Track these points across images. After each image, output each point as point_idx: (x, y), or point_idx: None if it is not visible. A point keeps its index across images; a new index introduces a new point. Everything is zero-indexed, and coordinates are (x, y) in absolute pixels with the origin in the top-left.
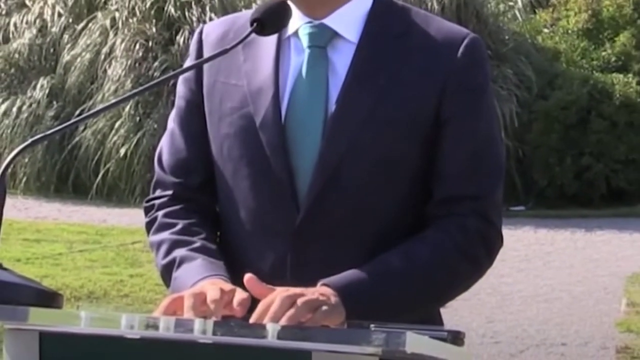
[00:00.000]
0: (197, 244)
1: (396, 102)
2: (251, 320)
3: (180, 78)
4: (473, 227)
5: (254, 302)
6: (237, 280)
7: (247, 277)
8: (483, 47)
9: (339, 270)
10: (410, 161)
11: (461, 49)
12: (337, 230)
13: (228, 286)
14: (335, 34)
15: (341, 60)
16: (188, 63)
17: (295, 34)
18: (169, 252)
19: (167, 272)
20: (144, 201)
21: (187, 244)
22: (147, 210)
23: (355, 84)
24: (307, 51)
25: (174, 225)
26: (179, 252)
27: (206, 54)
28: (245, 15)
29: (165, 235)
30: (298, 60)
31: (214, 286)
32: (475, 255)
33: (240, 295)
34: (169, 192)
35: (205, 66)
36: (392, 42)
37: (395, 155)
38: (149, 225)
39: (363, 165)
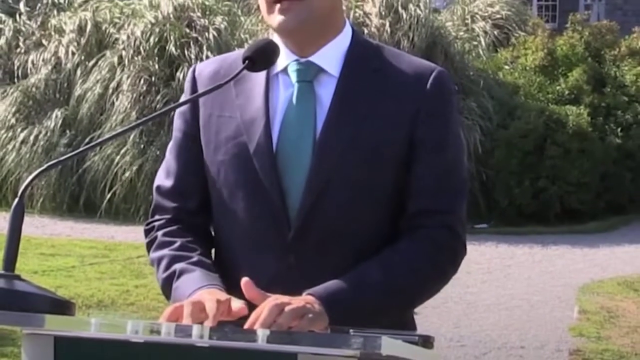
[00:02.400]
0: (195, 259)
1: (375, 129)
2: (245, 327)
3: (177, 113)
4: (441, 239)
5: (250, 308)
6: (232, 292)
7: (244, 280)
8: (449, 79)
9: (325, 280)
10: (387, 181)
11: (430, 81)
12: (324, 244)
13: (224, 295)
14: (320, 70)
15: (326, 93)
16: (183, 99)
17: (284, 70)
18: (168, 266)
19: (167, 284)
20: (144, 224)
21: (185, 258)
22: (147, 232)
23: (338, 114)
24: (296, 85)
25: (173, 243)
26: (178, 266)
27: (200, 90)
28: (233, 55)
29: (165, 251)
30: (287, 93)
31: (210, 295)
32: (443, 264)
33: (236, 302)
34: (167, 216)
35: (201, 101)
36: (370, 76)
37: (375, 177)
38: (149, 245)
39: (347, 187)
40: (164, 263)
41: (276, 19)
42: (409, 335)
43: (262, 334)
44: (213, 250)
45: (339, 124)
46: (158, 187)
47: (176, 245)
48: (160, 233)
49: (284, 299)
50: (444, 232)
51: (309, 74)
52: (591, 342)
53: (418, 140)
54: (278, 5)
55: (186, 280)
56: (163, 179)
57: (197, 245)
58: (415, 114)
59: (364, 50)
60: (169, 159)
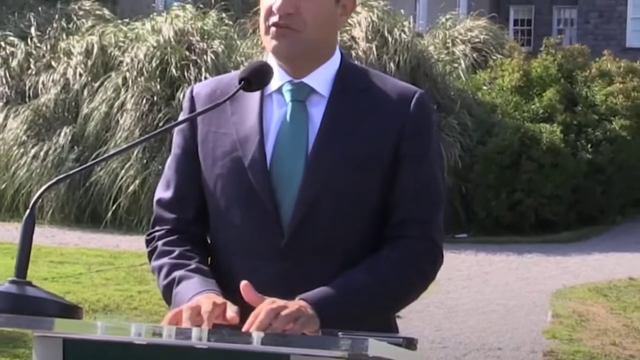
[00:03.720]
0: (193, 266)
1: (362, 145)
2: (243, 329)
3: (176, 130)
4: (421, 247)
5: (245, 310)
6: (230, 297)
7: (243, 284)
8: (429, 100)
9: (316, 284)
10: (373, 193)
11: (413, 102)
12: (314, 252)
13: (220, 299)
14: (312, 90)
15: (317, 111)
16: (182, 117)
17: (279, 90)
18: (168, 274)
19: (168, 290)
20: (146, 234)
21: (184, 266)
22: (148, 242)
23: (328, 131)
24: (289, 104)
25: (172, 252)
26: (177, 273)
27: (198, 109)
28: (228, 76)
29: (165, 260)
30: (281, 112)
31: (207, 300)
32: (424, 269)
33: (232, 307)
34: (167, 226)
35: (199, 119)
36: (357, 96)
37: (361, 189)
38: (150, 254)
39: (336, 199)
40: (164, 271)
41: (271, 42)
42: (394, 337)
43: (257, 336)
44: (209, 257)
45: (329, 141)
46: (158, 200)
47: (175, 254)
48: (160, 243)
49: (280, 302)
50: (423, 240)
51: (302, 94)
52: (564, 344)
53: (401, 155)
54: (273, 29)
55: (185, 286)
56: (162, 192)
57: (195, 253)
58: (399, 131)
59: (351, 72)
60: (168, 173)
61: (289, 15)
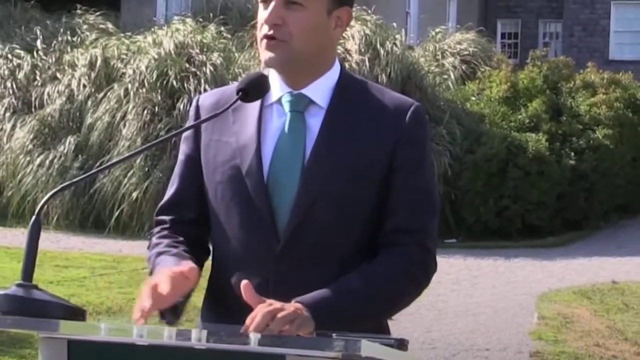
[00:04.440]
0: (174, 251)
1: (358, 155)
2: (242, 330)
3: (182, 138)
4: (415, 255)
5: (243, 312)
6: (229, 298)
7: (244, 283)
8: (424, 112)
9: (311, 288)
10: (367, 202)
11: (408, 114)
12: (309, 257)
13: (177, 268)
14: (310, 101)
15: (315, 122)
16: (187, 125)
17: (279, 101)
18: (154, 262)
19: (150, 271)
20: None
21: (167, 252)
22: (149, 242)
23: (325, 141)
24: (288, 115)
25: (161, 243)
26: (160, 256)
27: (202, 118)
28: (232, 87)
29: (154, 250)
30: (280, 122)
31: (163, 276)
32: (417, 276)
33: (185, 266)
34: (165, 226)
35: (202, 128)
36: (355, 108)
37: (356, 198)
38: (148, 250)
39: (331, 206)
40: (152, 260)
41: (263, 53)
42: (385, 338)
43: (254, 337)
44: (210, 261)
45: (326, 151)
46: (160, 206)
47: (164, 244)
48: (155, 237)
49: (276, 305)
50: (417, 249)
51: (300, 105)
52: (549, 345)
53: (396, 164)
54: (265, 40)
55: (159, 262)
56: (166, 195)
57: (185, 246)
58: (395, 141)
59: (350, 84)
60: (173, 178)
61: (276, 26)
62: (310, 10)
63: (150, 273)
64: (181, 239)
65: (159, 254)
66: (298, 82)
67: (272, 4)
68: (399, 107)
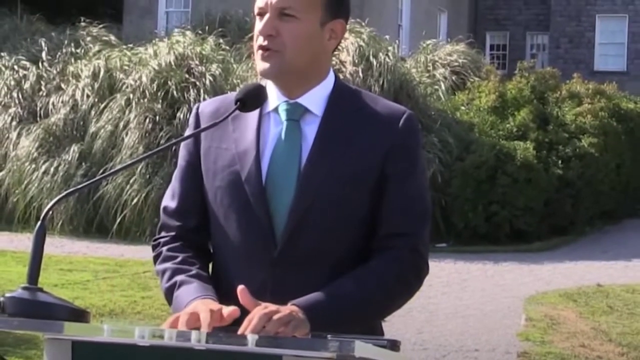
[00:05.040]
0: (193, 272)
1: (352, 162)
2: (239, 332)
3: (182, 144)
4: (407, 259)
5: (242, 315)
6: (227, 300)
7: (240, 288)
8: (417, 121)
9: (307, 291)
10: (361, 207)
11: (401, 122)
12: (305, 261)
13: (216, 305)
14: (306, 110)
15: (310, 130)
16: (187, 132)
17: (275, 110)
18: (171, 277)
19: (169, 292)
20: (151, 240)
21: (185, 271)
22: (154, 247)
23: (320, 148)
24: (285, 123)
25: (176, 257)
26: (179, 277)
27: (202, 125)
28: (231, 96)
29: (169, 265)
30: (277, 130)
31: (204, 306)
32: (409, 280)
33: (227, 308)
34: (172, 233)
35: (202, 135)
36: (349, 116)
37: (350, 203)
38: (155, 258)
39: (326, 211)
40: (167, 274)
41: (258, 64)
42: (378, 339)
43: (251, 338)
44: (211, 264)
45: (321, 157)
46: (164, 208)
47: (178, 259)
48: (165, 248)
49: (272, 307)
50: (409, 253)
51: (296, 114)
52: (536, 345)
53: (389, 171)
54: (260, 51)
55: (184, 291)
56: (169, 200)
57: (196, 260)
58: (388, 149)
59: (344, 94)
60: (174, 184)
61: (270, 37)
62: (303, 22)
63: (171, 287)
64: (191, 253)
65: (181, 283)
66: (293, 91)
67: (267, 16)
68: (391, 115)
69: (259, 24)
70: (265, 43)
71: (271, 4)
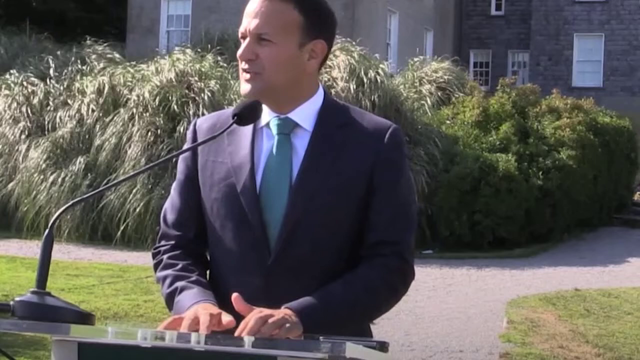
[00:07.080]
0: (193, 278)
1: (340, 174)
2: (235, 334)
3: (180, 158)
4: (394, 265)
5: (238, 320)
6: (223, 306)
7: (234, 295)
8: (402, 134)
9: (299, 296)
10: (350, 217)
11: (387, 136)
12: (298, 268)
13: (215, 309)
14: (296, 125)
15: (301, 144)
16: (185, 147)
17: (267, 125)
18: (172, 283)
19: (170, 298)
20: (152, 249)
21: (185, 278)
22: (155, 255)
23: (310, 161)
24: (276, 137)
25: (176, 265)
26: (179, 283)
27: (199, 140)
28: (227, 111)
29: (169, 271)
30: (269, 144)
31: (204, 310)
32: (395, 285)
33: (226, 316)
34: (172, 242)
35: (199, 149)
36: (337, 131)
37: (340, 214)
38: (156, 266)
39: (317, 221)
40: (168, 281)
41: (241, 85)
42: (368, 341)
43: (248, 340)
44: (208, 272)
45: (311, 170)
46: (164, 218)
47: (179, 267)
48: (165, 256)
49: (267, 311)
50: (396, 260)
51: (287, 128)
52: (517, 347)
53: (376, 182)
54: (243, 74)
55: (185, 296)
56: (168, 212)
57: (196, 267)
58: (374, 161)
59: (333, 109)
60: (174, 196)
61: (250, 60)
62: (280, 45)
63: (172, 293)
64: (190, 261)
65: (182, 289)
66: (282, 108)
67: (247, 41)
68: (378, 130)
69: (241, 48)
70: (247, 67)
71: (250, 30)
